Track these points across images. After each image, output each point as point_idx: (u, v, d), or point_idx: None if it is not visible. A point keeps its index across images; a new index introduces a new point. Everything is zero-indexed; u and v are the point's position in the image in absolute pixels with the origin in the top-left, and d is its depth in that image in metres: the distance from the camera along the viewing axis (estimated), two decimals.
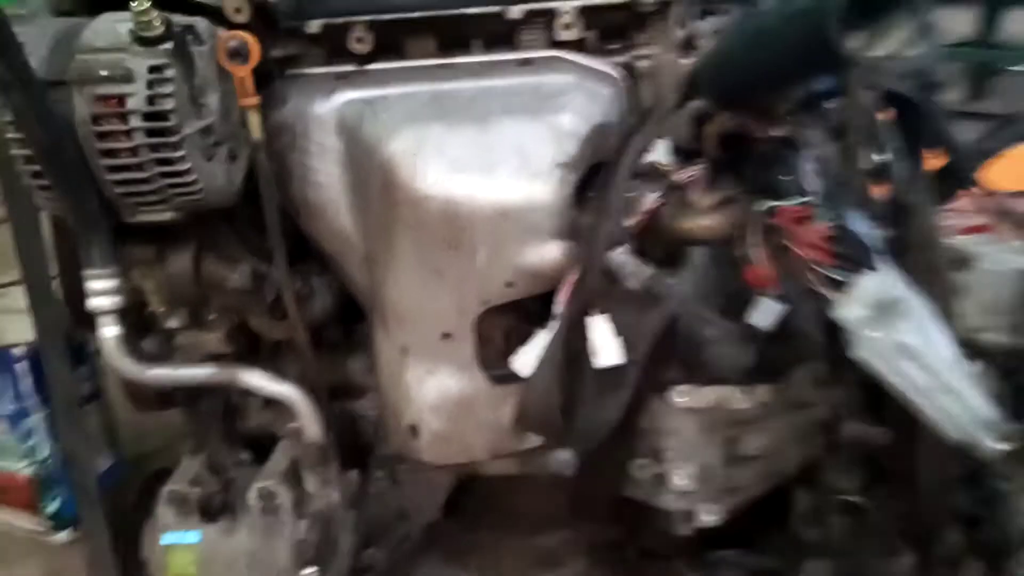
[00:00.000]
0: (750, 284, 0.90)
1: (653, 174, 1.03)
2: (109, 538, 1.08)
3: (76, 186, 0.86)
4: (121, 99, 0.84)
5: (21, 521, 1.46)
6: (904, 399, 0.69)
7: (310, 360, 1.08)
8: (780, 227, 0.77)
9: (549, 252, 0.94)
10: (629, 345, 0.92)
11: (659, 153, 1.03)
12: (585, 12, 1.05)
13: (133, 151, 0.85)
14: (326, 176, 1.01)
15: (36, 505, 1.44)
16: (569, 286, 0.93)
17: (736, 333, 0.95)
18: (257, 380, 1.04)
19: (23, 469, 1.43)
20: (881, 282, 0.69)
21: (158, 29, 0.84)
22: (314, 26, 1.05)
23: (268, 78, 1.04)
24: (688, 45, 1.11)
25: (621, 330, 0.92)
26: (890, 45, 0.65)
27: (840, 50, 0.65)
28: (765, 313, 0.88)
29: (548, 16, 1.05)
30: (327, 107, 1.00)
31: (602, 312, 0.91)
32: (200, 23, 0.91)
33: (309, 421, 1.06)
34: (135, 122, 0.84)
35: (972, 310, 1.15)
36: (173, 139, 0.86)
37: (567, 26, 1.05)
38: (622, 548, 1.37)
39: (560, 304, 0.93)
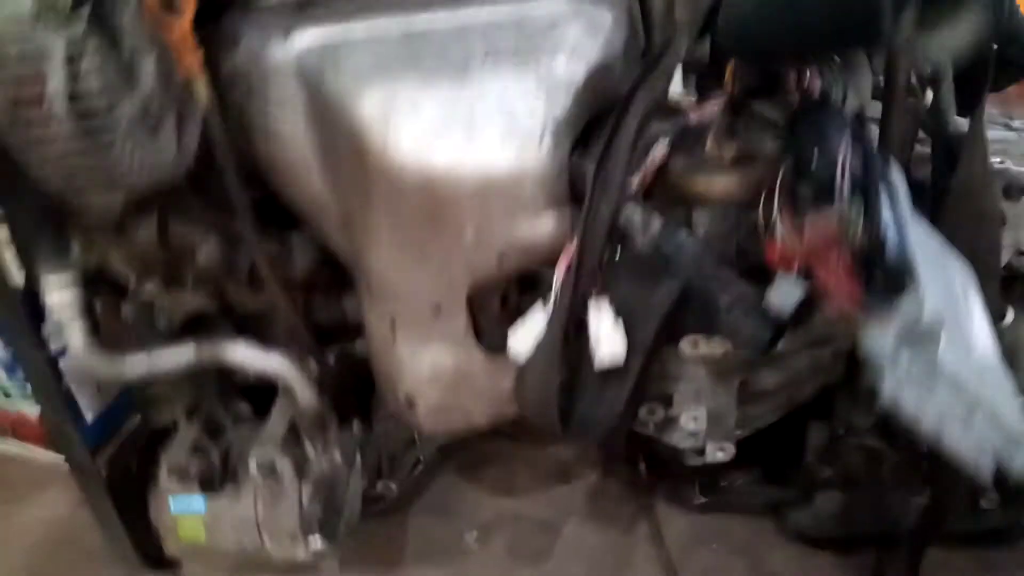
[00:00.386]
0: (770, 261, 0.80)
1: (664, 111, 0.90)
2: (112, 503, 1.08)
3: (5, 184, 0.77)
4: (39, 82, 0.72)
5: (39, 454, 1.48)
6: (934, 439, 0.62)
7: (298, 328, 1.02)
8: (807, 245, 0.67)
9: (543, 225, 0.84)
10: (634, 324, 0.84)
11: (672, 83, 0.90)
12: None
13: (63, 139, 0.74)
14: (290, 133, 0.89)
15: (50, 440, 1.46)
16: (567, 260, 0.84)
17: (755, 299, 0.86)
18: (243, 355, 0.98)
19: (31, 409, 1.43)
20: (919, 302, 0.60)
21: (67, 4, 0.70)
22: None
23: (216, 10, 0.90)
24: None
25: (625, 308, 0.84)
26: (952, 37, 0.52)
27: (891, 33, 0.52)
28: (786, 294, 0.79)
29: None
30: (284, 54, 0.86)
31: (604, 292, 0.83)
32: None
33: (302, 389, 1.01)
34: (59, 107, 0.72)
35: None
36: (106, 122, 0.75)
37: None
38: (635, 464, 1.37)
39: (558, 281, 0.84)
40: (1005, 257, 1.05)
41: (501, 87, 0.81)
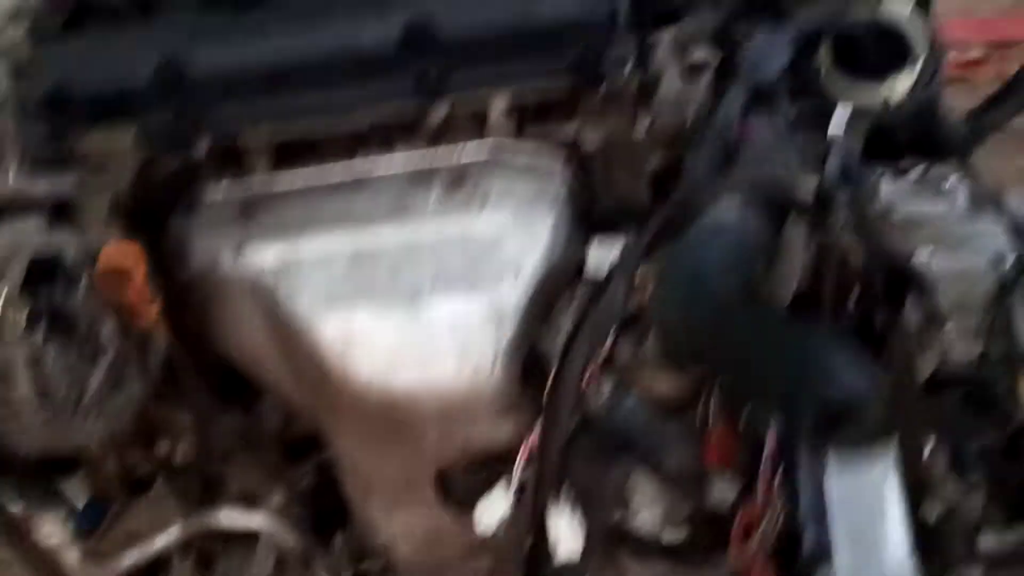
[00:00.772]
0: (707, 461, 0.87)
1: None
2: None
3: None
4: (7, 387, 0.74)
5: None
6: None
7: (275, 476, 1.08)
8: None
9: (501, 430, 0.89)
10: (591, 507, 0.92)
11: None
12: (520, 107, 0.89)
13: (36, 424, 0.78)
14: (250, 338, 0.92)
15: None
16: (529, 446, 0.90)
17: (699, 472, 0.94)
18: (227, 519, 1.05)
19: None
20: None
21: (22, 317, 0.72)
22: (201, 148, 0.89)
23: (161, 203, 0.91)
24: (644, 99, 0.95)
25: (583, 492, 0.92)
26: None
27: None
28: (723, 493, 0.87)
29: (477, 116, 0.89)
30: (237, 271, 0.88)
31: (562, 483, 0.90)
32: (66, 252, 0.77)
33: (285, 537, 1.09)
34: (28, 405, 0.75)
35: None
36: (75, 401, 0.78)
37: (499, 124, 0.89)
38: None
39: (520, 466, 0.91)
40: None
41: (452, 317, 0.84)
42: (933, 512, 1.06)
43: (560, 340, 0.93)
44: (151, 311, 0.82)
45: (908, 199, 1.28)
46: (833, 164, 0.68)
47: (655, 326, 0.76)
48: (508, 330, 0.85)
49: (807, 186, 0.74)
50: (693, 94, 0.97)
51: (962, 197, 1.27)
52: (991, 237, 1.20)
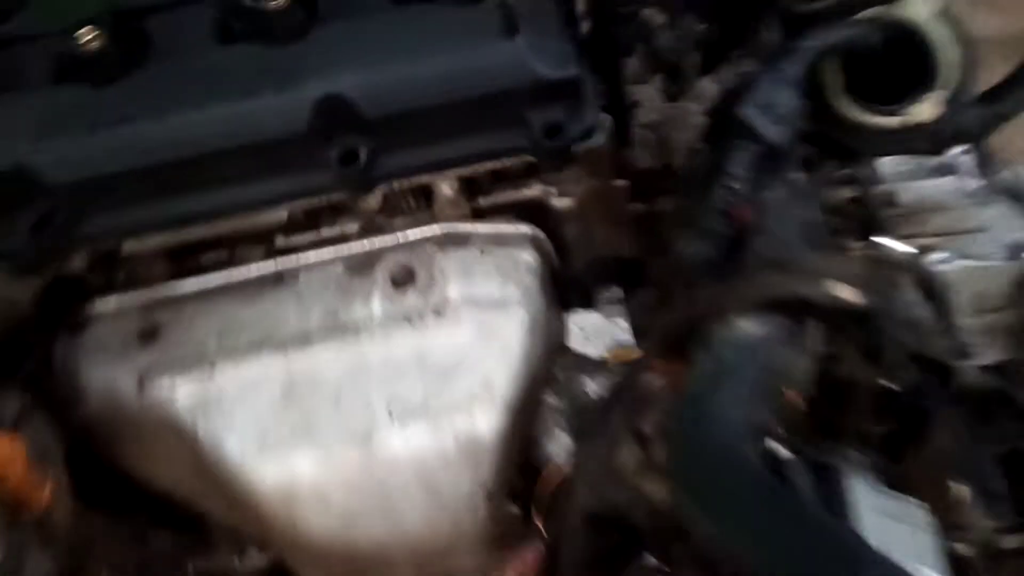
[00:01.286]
0: None
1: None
2: None
3: None
4: None
5: None
6: None
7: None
8: None
9: (489, 560, 0.76)
10: None
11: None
12: (472, 179, 0.72)
13: None
14: (177, 483, 0.76)
15: None
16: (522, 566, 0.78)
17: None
18: None
19: None
20: None
21: None
22: (78, 261, 0.71)
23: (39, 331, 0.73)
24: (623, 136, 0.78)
25: None
26: None
27: None
28: None
29: (422, 191, 0.72)
30: (144, 413, 0.71)
31: None
32: None
33: None
34: None
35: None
36: None
37: (448, 204, 0.72)
38: None
39: None
40: None
41: (417, 459, 0.68)
42: (965, 549, 0.99)
43: (547, 424, 0.81)
44: (41, 494, 0.66)
45: (913, 181, 1.14)
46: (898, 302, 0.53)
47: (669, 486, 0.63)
48: (486, 462, 0.70)
49: (838, 293, 0.59)
50: (678, 119, 0.82)
51: (970, 175, 1.13)
52: (1006, 222, 1.07)
